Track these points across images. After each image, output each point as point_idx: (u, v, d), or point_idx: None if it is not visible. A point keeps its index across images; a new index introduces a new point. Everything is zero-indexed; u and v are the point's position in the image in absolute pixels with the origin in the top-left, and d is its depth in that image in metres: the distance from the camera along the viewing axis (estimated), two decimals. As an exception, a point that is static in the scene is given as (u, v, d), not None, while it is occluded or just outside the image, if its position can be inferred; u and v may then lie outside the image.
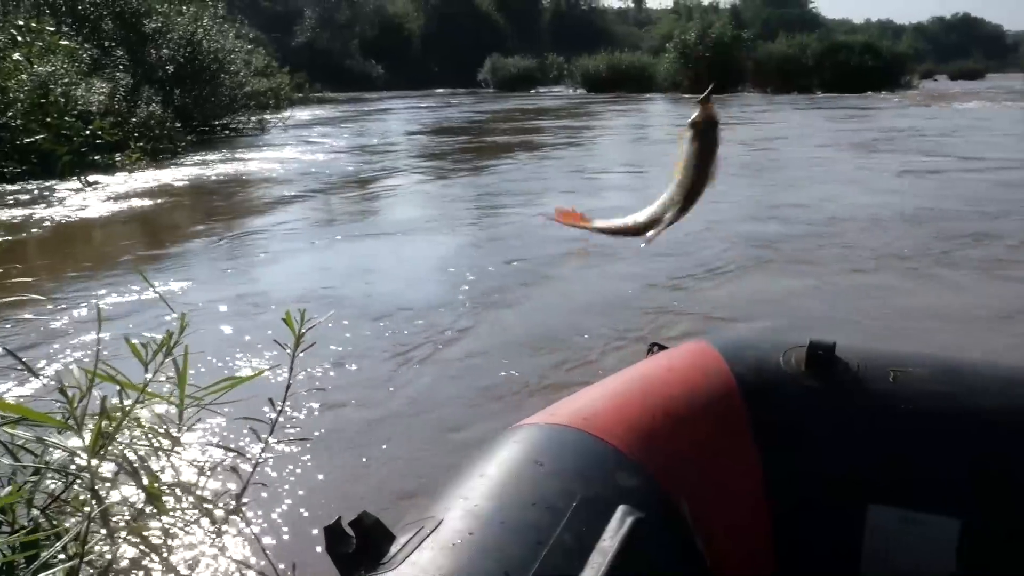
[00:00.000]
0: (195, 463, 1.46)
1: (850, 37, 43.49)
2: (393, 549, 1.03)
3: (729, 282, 5.15)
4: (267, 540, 1.64)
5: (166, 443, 1.42)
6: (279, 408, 1.47)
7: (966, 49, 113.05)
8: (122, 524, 1.39)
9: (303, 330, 1.44)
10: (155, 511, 1.39)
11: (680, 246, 5.83)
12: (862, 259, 5.71)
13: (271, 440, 1.47)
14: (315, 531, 2.29)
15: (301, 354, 1.46)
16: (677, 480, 1.26)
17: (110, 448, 1.33)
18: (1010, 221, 6.90)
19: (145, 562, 1.36)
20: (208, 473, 1.46)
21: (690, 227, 5.78)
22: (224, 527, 1.47)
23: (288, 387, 1.46)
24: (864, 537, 1.31)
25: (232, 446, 1.45)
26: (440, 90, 57.16)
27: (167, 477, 1.45)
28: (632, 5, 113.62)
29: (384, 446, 2.98)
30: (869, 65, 37.99)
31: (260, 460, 1.47)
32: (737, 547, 1.31)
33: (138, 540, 1.39)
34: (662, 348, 1.62)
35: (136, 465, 1.39)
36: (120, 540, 1.36)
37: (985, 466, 1.30)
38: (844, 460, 1.35)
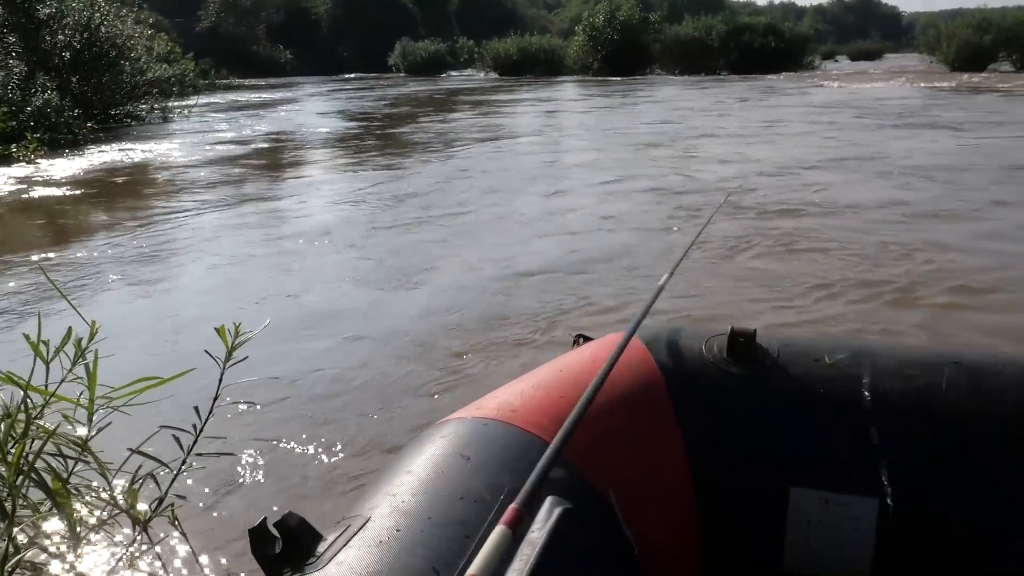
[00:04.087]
0: (111, 470, 1.41)
1: (754, 19, 44.30)
2: (320, 549, 1.02)
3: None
4: (194, 546, 1.60)
5: (75, 447, 1.37)
6: (204, 419, 1.42)
7: (864, 30, 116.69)
8: (25, 538, 1.34)
9: (236, 342, 1.39)
10: (65, 519, 1.34)
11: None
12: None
13: (195, 451, 1.42)
14: (242, 535, 2.23)
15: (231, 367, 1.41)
16: (604, 469, 1.27)
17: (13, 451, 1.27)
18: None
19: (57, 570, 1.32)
20: (126, 480, 1.41)
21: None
22: (146, 535, 1.43)
23: (215, 398, 1.42)
24: (787, 520, 1.34)
25: (153, 454, 1.39)
26: (350, 75, 56.41)
27: (76, 480, 1.40)
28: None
29: (313, 454, 2.92)
30: (772, 46, 38.82)
31: (183, 469, 1.43)
32: (664, 534, 1.33)
33: (50, 545, 1.34)
34: (587, 339, 1.64)
35: (42, 470, 1.34)
36: (25, 548, 1.31)
37: (899, 446, 1.34)
38: (766, 445, 1.38)
